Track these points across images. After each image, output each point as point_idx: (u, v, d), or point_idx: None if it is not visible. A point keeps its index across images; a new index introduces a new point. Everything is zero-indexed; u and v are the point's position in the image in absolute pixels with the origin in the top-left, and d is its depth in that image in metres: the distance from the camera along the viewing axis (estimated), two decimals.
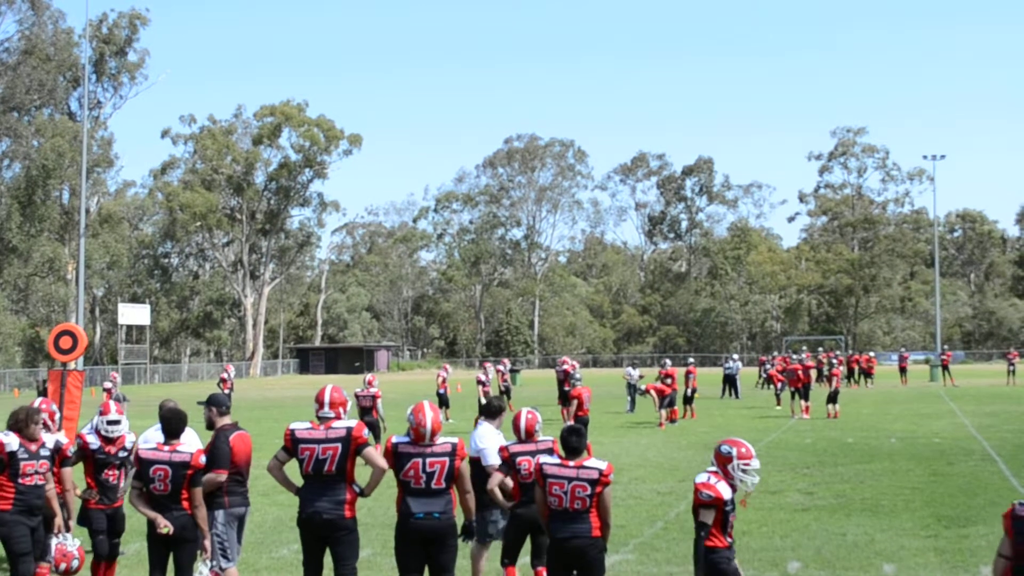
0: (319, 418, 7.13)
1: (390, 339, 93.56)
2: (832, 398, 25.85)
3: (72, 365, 14.07)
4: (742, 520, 11.55)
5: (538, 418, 7.94)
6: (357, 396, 18.30)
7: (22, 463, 7.37)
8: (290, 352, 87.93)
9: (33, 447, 7.48)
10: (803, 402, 26.31)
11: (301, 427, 7.06)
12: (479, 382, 25.52)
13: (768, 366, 38.96)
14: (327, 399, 7.17)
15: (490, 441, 8.16)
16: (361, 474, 7.07)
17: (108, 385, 29.83)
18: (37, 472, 7.46)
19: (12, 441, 7.40)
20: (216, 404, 7.90)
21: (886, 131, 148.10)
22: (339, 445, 6.94)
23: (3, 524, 7.32)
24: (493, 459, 7.95)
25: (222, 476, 7.49)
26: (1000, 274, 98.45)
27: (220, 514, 7.58)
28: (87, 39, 61.24)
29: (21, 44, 57.91)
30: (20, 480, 7.36)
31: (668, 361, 29.32)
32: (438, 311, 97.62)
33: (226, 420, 7.86)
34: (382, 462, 6.94)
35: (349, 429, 7.00)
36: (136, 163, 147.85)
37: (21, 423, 7.48)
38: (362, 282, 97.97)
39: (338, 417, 7.12)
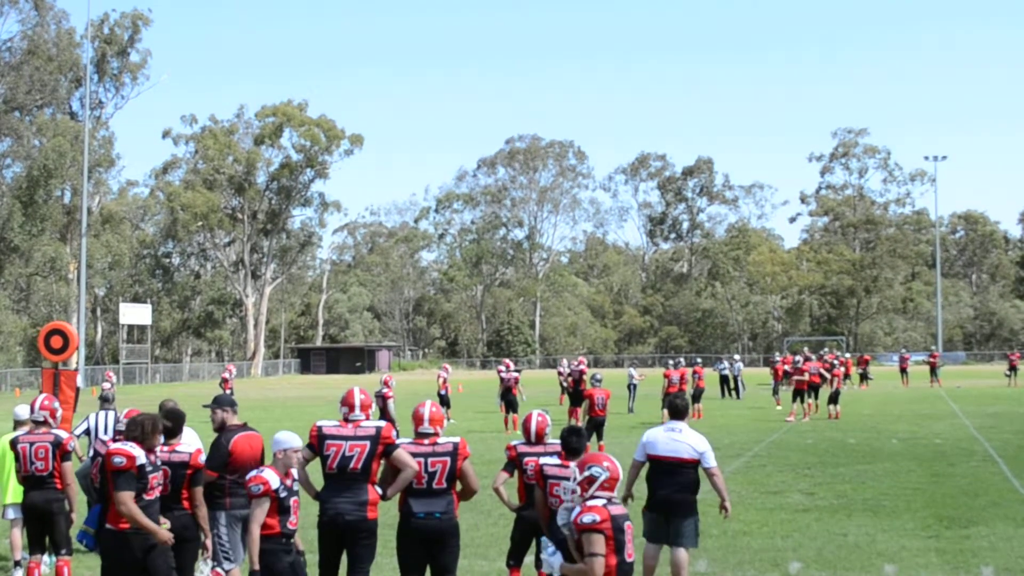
0: (348, 420, 7.07)
1: (391, 339, 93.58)
2: (834, 399, 25.78)
3: (73, 364, 14.07)
4: (743, 520, 11.56)
5: (548, 421, 7.91)
6: (376, 396, 18.42)
7: (149, 476, 6.86)
8: (291, 352, 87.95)
9: (153, 458, 7.03)
10: (811, 401, 26.12)
11: (329, 424, 7.00)
12: (561, 374, 25.47)
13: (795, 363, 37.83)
14: (357, 402, 7.05)
15: (697, 439, 8.10)
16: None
17: (107, 386, 29.84)
18: (159, 484, 7.02)
19: (140, 454, 6.79)
20: (228, 404, 7.90)
21: (887, 132, 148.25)
22: (367, 443, 6.86)
23: (127, 547, 6.65)
24: (710, 461, 8.01)
25: (210, 476, 7.41)
26: (1004, 275, 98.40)
27: (222, 515, 7.56)
28: (89, 39, 61.29)
29: (23, 44, 57.92)
30: (145, 495, 6.80)
31: (682, 360, 29.28)
32: (439, 311, 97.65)
33: (235, 420, 7.85)
34: (412, 463, 6.83)
35: (379, 429, 6.94)
36: (138, 163, 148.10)
37: (147, 433, 6.90)
38: (363, 282, 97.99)
39: (368, 418, 7.09)
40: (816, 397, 26.39)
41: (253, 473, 6.42)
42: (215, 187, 75.83)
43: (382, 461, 6.96)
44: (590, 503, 5.31)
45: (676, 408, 8.28)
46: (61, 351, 12.99)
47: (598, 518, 5.18)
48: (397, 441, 7.07)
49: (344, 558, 6.99)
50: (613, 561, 5.18)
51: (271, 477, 6.30)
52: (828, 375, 26.51)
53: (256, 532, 6.19)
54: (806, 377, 26.05)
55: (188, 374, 72.82)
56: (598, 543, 5.14)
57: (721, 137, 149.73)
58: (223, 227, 77.46)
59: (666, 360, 42.97)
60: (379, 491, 6.97)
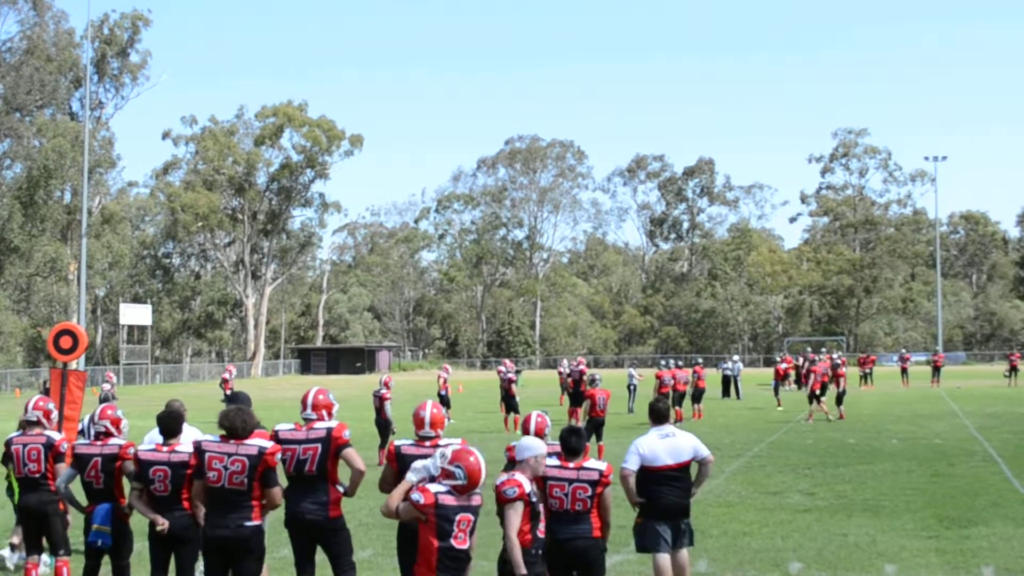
0: (303, 419, 7.16)
1: (391, 339, 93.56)
2: (840, 399, 25.64)
3: (74, 364, 14.01)
4: (743, 521, 11.56)
5: (547, 422, 7.90)
6: (374, 396, 18.49)
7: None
8: (291, 352, 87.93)
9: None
10: (820, 400, 25.83)
11: (285, 428, 7.12)
12: (561, 375, 26.74)
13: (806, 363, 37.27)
14: (310, 401, 7.22)
15: (688, 438, 8.05)
16: (348, 475, 7.08)
17: (107, 387, 29.76)
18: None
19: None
20: (247, 404, 7.93)
21: (888, 132, 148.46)
22: (319, 446, 6.97)
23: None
24: (704, 451, 8.01)
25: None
26: (1003, 275, 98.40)
27: None
28: (89, 39, 61.28)
29: (23, 44, 57.90)
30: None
31: (673, 361, 29.15)
32: (439, 311, 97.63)
33: None
34: (361, 464, 7.00)
35: (329, 430, 7.03)
36: (138, 163, 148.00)
37: (246, 428, 6.83)
38: (363, 282, 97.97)
39: (321, 419, 7.14)
40: (823, 394, 26.23)
41: (506, 476, 6.34)
42: (215, 188, 75.83)
43: (339, 460, 7.04)
44: (428, 485, 5.84)
45: (660, 412, 8.14)
46: (71, 351, 12.95)
47: (421, 500, 5.75)
48: (397, 443, 7.15)
49: (321, 555, 7.09)
50: (435, 544, 5.73)
51: (524, 480, 6.18)
52: (832, 374, 26.37)
53: (515, 538, 6.04)
54: (819, 377, 25.77)
55: (188, 374, 72.80)
56: (408, 510, 5.85)
57: (721, 137, 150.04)
58: (223, 228, 77.46)
59: (660, 361, 43.08)
60: (341, 489, 7.03)
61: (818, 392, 25.37)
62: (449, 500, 5.75)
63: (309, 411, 7.16)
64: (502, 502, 6.11)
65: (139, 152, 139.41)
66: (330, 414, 7.23)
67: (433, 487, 5.82)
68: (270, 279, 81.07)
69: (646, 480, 7.80)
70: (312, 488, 6.97)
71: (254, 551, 6.70)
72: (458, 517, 5.74)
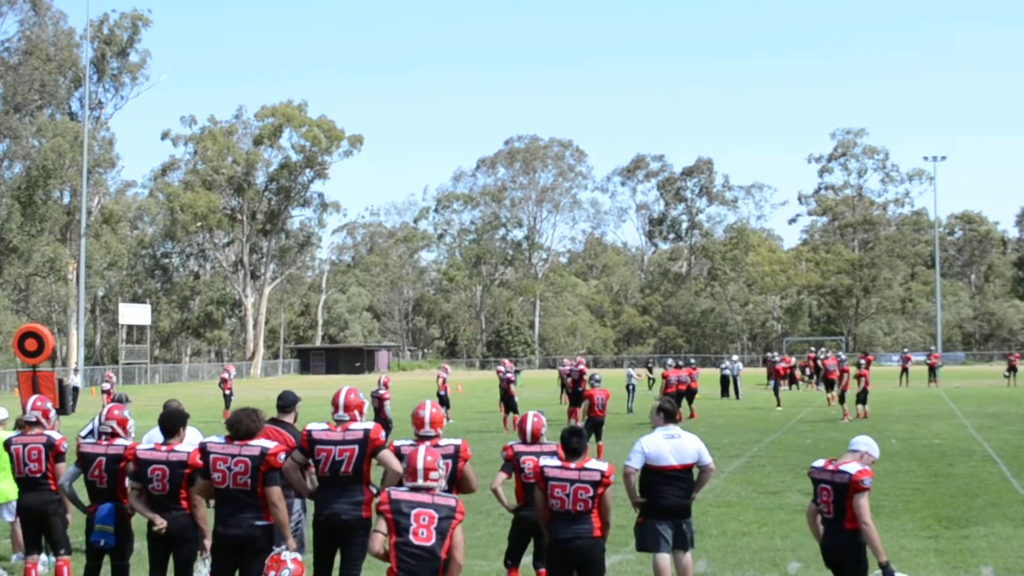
0: (335, 420, 7.09)
1: (391, 339, 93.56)
2: (861, 398, 25.52)
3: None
4: (742, 520, 11.56)
5: (543, 422, 7.90)
6: (372, 396, 18.42)
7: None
8: (291, 352, 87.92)
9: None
10: (831, 395, 25.67)
11: (318, 428, 7.02)
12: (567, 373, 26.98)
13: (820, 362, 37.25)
14: (342, 402, 7.11)
15: (694, 440, 8.02)
16: (376, 475, 7.05)
17: (106, 386, 29.77)
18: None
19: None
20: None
21: (886, 132, 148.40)
22: (356, 447, 6.90)
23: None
24: (707, 458, 8.01)
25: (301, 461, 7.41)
26: (1000, 275, 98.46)
27: (296, 502, 7.65)
28: (88, 39, 61.26)
29: (22, 44, 57.87)
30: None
31: (679, 362, 29.09)
32: (439, 311, 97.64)
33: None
34: (397, 465, 6.87)
35: (367, 431, 6.96)
36: (137, 163, 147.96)
37: (250, 429, 6.91)
38: (363, 282, 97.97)
39: (354, 419, 7.09)
40: (842, 399, 26.15)
41: (860, 467, 6.80)
42: (214, 188, 75.80)
43: (373, 461, 7.00)
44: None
45: (669, 412, 8.12)
46: (36, 354, 12.93)
47: (377, 500, 5.73)
48: (397, 443, 7.12)
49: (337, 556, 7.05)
50: (392, 539, 5.59)
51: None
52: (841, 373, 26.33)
53: (873, 524, 6.59)
54: (846, 378, 25.70)
55: (187, 374, 72.77)
56: (379, 522, 5.69)
57: (720, 137, 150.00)
58: (222, 228, 77.41)
59: (664, 360, 43.07)
60: (373, 490, 7.01)
61: (848, 392, 25.32)
62: (402, 495, 5.69)
63: (342, 412, 7.08)
64: (859, 491, 6.55)
65: (138, 152, 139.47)
66: (361, 413, 7.16)
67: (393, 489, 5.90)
68: (269, 279, 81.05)
69: (649, 479, 7.80)
70: (347, 489, 6.92)
71: (264, 550, 6.70)
72: (414, 512, 5.61)
